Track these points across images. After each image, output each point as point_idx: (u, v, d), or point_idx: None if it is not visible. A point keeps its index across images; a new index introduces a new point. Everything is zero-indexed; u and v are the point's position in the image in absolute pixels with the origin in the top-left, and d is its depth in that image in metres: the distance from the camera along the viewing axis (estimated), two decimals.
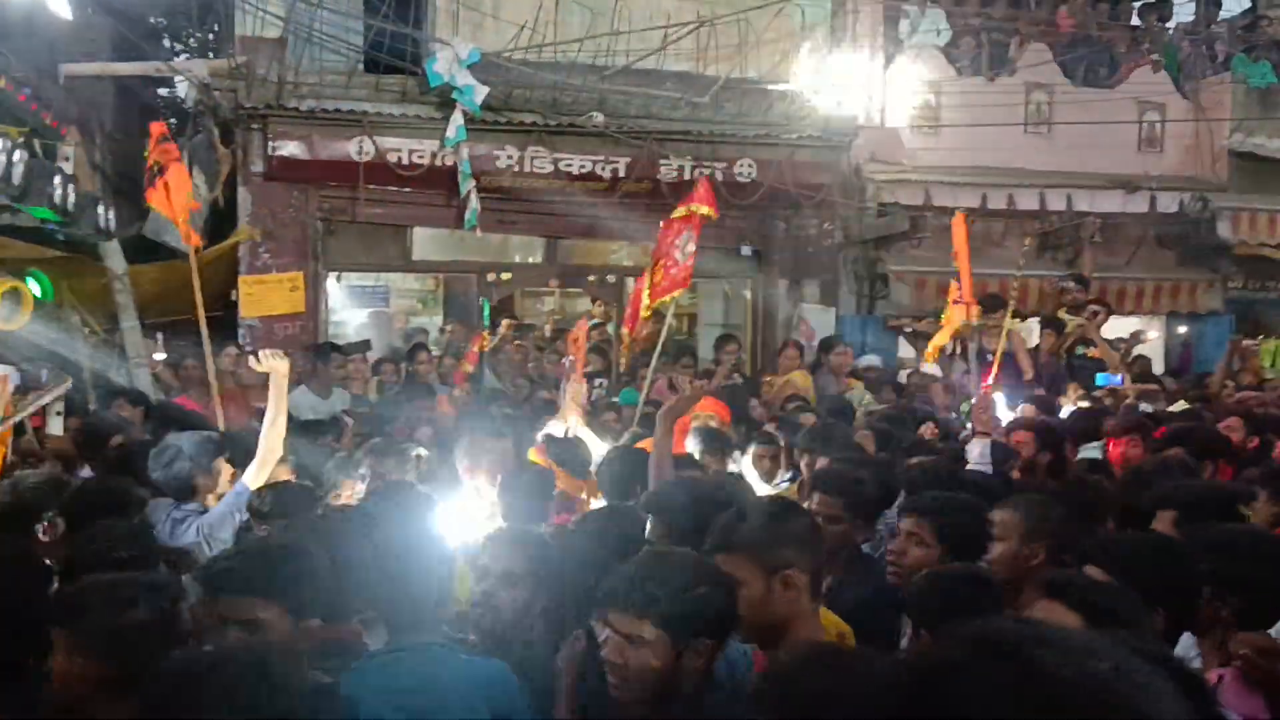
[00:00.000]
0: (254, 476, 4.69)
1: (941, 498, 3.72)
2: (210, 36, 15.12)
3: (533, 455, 5.62)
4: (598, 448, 5.70)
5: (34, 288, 7.45)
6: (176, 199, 7.14)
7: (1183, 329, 12.50)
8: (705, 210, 6.97)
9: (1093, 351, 10.99)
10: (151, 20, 15.59)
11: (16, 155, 8.17)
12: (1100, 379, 9.39)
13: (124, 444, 5.73)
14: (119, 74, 11.46)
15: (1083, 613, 2.39)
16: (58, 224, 8.83)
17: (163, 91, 16.11)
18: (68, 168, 9.56)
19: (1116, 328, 12.00)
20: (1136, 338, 12.09)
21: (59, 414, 7.90)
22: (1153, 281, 12.09)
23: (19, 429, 6.45)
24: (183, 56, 14.22)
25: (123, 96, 15.28)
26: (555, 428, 6.08)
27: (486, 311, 10.28)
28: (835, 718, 1.82)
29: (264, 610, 2.72)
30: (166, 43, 16.32)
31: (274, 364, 4.93)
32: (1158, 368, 11.61)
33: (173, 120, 14.12)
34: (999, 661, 0.95)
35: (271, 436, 4.80)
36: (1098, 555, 2.88)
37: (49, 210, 8.78)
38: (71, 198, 9.00)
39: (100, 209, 10.08)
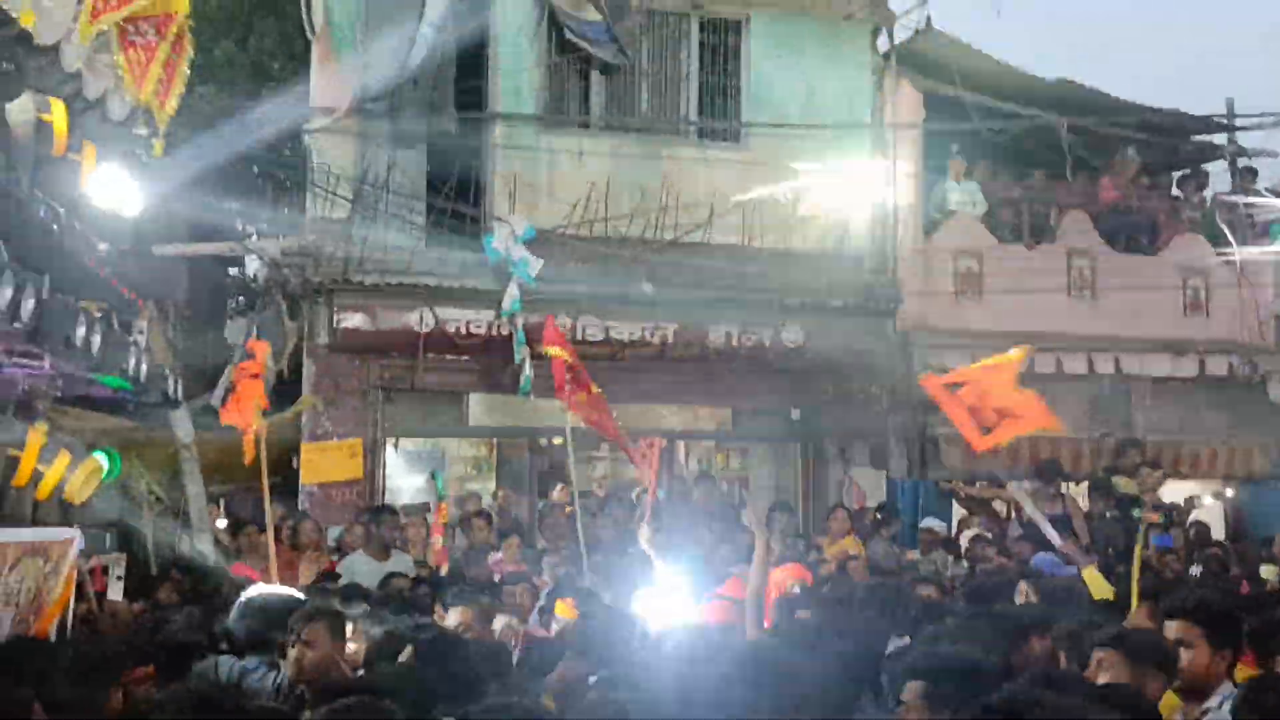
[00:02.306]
0: None
1: None
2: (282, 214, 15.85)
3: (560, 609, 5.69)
4: None
5: (102, 461, 7.73)
6: (244, 410, 7.77)
7: (1230, 493, 12.34)
8: (554, 350, 7.31)
9: (1150, 515, 10.86)
10: (227, 204, 16.38)
11: (95, 329, 8.57)
12: (1156, 540, 9.32)
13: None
14: (199, 254, 12.07)
15: None
16: (130, 393, 9.18)
17: (233, 270, 16.80)
18: (142, 340, 9.99)
19: (1172, 492, 11.87)
20: (1192, 502, 11.94)
21: (119, 578, 8.09)
22: (1206, 445, 11.98)
23: (80, 591, 6.63)
24: (254, 236, 14.90)
25: (195, 273, 15.98)
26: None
27: (439, 484, 10.43)
28: None
29: None
30: (239, 224, 17.07)
31: None
32: (1217, 533, 11.41)
33: (241, 297, 14.73)
34: None
35: None
36: None
37: (122, 379, 9.14)
38: (144, 369, 9.36)
39: (170, 379, 10.46)
